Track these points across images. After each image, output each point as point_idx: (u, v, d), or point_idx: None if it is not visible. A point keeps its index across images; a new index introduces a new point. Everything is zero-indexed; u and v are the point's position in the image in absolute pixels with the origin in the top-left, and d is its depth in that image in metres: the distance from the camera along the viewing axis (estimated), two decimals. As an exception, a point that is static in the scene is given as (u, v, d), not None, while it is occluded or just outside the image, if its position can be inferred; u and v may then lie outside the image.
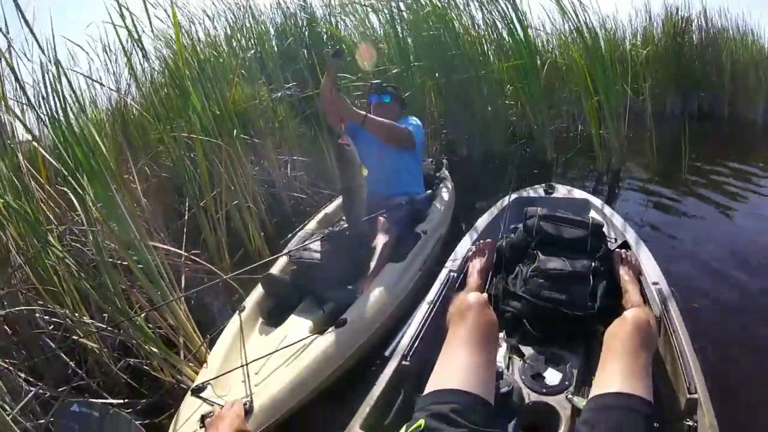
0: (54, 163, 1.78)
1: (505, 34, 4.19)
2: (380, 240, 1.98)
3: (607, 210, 2.13)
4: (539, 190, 2.37)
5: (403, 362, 1.30)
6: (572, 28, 3.90)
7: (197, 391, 1.35)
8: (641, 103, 4.58)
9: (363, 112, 2.09)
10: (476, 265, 1.71)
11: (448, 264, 1.80)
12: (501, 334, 1.44)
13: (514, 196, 2.28)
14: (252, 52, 3.97)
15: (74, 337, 1.63)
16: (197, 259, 2.12)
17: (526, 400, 1.22)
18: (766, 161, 4.12)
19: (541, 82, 4.12)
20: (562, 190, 2.36)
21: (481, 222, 2.12)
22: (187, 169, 2.53)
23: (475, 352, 1.00)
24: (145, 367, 1.65)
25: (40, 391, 1.43)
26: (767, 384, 1.48)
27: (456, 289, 1.63)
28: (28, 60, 1.80)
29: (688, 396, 1.08)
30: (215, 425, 1.01)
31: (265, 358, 1.46)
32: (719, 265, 2.20)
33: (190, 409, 1.30)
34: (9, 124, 2.01)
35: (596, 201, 2.24)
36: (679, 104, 6.31)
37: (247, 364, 1.40)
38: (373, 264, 1.89)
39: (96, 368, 1.67)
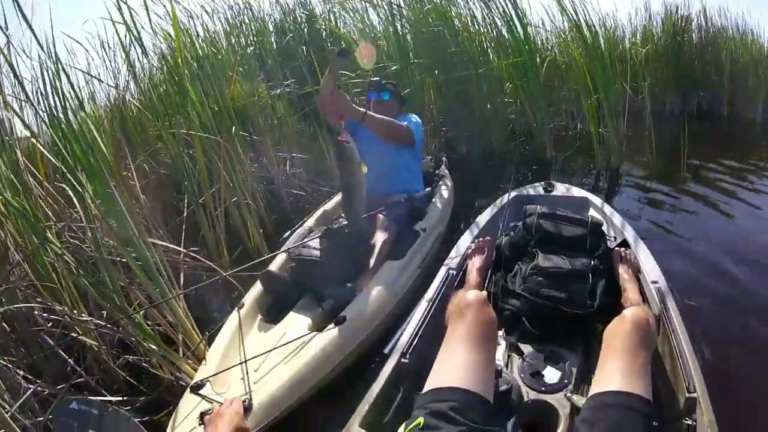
0: (52, 159, 1.77)
1: (504, 32, 4.18)
2: (379, 237, 1.98)
3: (607, 208, 2.13)
4: (538, 188, 2.37)
5: (402, 360, 1.30)
6: (572, 26, 3.90)
7: (196, 389, 1.35)
8: (640, 102, 4.57)
9: (363, 109, 2.08)
10: (475, 263, 1.71)
11: (447, 262, 1.80)
12: (500, 332, 1.45)
13: (513, 193, 2.28)
14: (251, 48, 3.95)
15: (73, 335, 1.62)
16: (196, 256, 2.12)
17: (525, 399, 1.22)
18: (765, 160, 4.13)
19: (540, 80, 4.13)
20: (561, 188, 2.36)
21: (481, 220, 2.12)
22: (186, 166, 2.52)
23: (474, 350, 1.00)
24: (144, 364, 1.65)
25: (39, 388, 1.43)
26: (766, 383, 1.48)
27: (455, 287, 1.63)
28: (27, 56, 1.80)
29: (687, 395, 1.08)
30: (214, 422, 1.00)
31: (264, 355, 1.46)
32: (718, 263, 2.21)
33: (189, 406, 1.29)
34: (7, 121, 2.00)
35: (595, 199, 2.25)
36: (678, 103, 6.32)
37: (246, 362, 1.40)
38: (372, 261, 1.89)
39: (95, 365, 1.67)
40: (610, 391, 0.95)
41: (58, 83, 1.68)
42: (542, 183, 2.39)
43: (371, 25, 4.57)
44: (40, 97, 1.76)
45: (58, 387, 1.49)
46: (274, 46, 4.22)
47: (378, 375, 1.27)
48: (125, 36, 2.41)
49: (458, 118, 4.43)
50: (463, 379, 0.93)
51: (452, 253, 1.86)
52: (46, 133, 2.01)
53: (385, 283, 1.79)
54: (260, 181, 3.18)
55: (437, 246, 2.22)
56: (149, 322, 1.65)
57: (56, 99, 1.66)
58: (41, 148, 1.90)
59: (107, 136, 2.60)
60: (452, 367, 0.98)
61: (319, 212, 2.44)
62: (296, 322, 1.68)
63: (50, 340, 1.63)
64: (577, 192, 2.35)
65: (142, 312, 1.61)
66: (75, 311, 1.64)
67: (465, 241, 1.92)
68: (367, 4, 4.43)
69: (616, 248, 1.70)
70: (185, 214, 2.51)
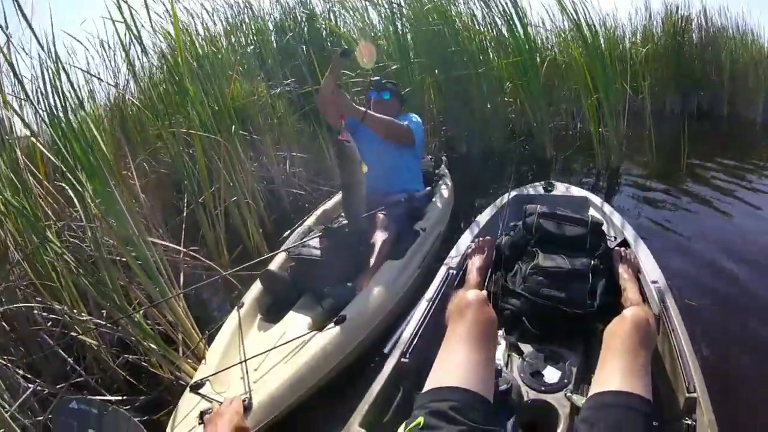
0: (52, 158, 1.77)
1: (504, 31, 4.18)
2: (379, 237, 1.98)
3: (607, 208, 2.13)
4: (538, 188, 2.37)
5: (402, 359, 1.30)
6: (572, 25, 3.90)
7: (196, 388, 1.35)
8: (640, 102, 4.58)
9: (363, 109, 2.08)
10: (475, 263, 1.71)
11: (447, 261, 1.80)
12: (500, 332, 1.45)
13: (513, 193, 2.28)
14: (251, 47, 3.95)
15: (73, 334, 1.62)
16: (196, 256, 2.12)
17: (525, 398, 1.22)
18: (764, 160, 4.13)
19: (540, 80, 4.13)
20: (561, 188, 2.36)
21: (481, 219, 2.12)
22: (186, 165, 2.52)
23: (474, 349, 1.00)
24: (143, 363, 1.65)
25: (39, 388, 1.43)
26: (766, 383, 1.48)
27: (455, 287, 1.63)
28: (27, 55, 1.80)
29: (687, 395, 1.08)
30: (214, 422, 1.00)
31: (263, 354, 1.46)
32: (718, 263, 2.21)
33: (188, 405, 1.29)
34: (7, 120, 2.00)
35: (595, 199, 2.25)
36: (678, 103, 6.32)
37: (245, 361, 1.40)
38: (372, 261, 1.89)
39: (94, 365, 1.67)
40: (610, 390, 0.95)
41: (57, 82, 1.68)
42: (542, 182, 2.39)
43: (371, 24, 4.57)
44: (39, 96, 1.76)
45: (58, 386, 1.49)
46: (274, 45, 4.21)
47: (378, 374, 1.26)
48: (125, 35, 2.42)
49: (458, 117, 4.43)
50: (463, 379, 0.93)
51: (452, 253, 1.86)
52: (46, 132, 2.01)
53: (385, 283, 1.79)
54: (260, 181, 3.18)
55: (437, 245, 2.22)
56: (149, 322, 1.65)
57: (56, 98, 1.66)
58: (41, 147, 1.90)
59: (107, 135, 2.60)
60: (452, 367, 0.98)
61: (319, 211, 2.44)
62: (296, 321, 1.68)
63: (50, 340, 1.63)
64: (577, 191, 2.35)
65: (141, 311, 1.61)
66: (75, 310, 1.64)
67: (465, 241, 1.91)
68: (367, 3, 4.43)
69: (616, 248, 1.70)
70: (185, 214, 2.51)
